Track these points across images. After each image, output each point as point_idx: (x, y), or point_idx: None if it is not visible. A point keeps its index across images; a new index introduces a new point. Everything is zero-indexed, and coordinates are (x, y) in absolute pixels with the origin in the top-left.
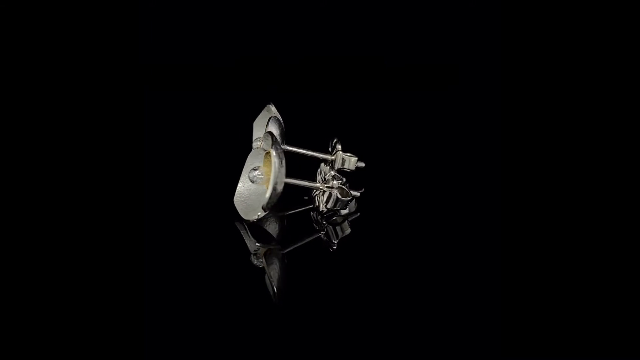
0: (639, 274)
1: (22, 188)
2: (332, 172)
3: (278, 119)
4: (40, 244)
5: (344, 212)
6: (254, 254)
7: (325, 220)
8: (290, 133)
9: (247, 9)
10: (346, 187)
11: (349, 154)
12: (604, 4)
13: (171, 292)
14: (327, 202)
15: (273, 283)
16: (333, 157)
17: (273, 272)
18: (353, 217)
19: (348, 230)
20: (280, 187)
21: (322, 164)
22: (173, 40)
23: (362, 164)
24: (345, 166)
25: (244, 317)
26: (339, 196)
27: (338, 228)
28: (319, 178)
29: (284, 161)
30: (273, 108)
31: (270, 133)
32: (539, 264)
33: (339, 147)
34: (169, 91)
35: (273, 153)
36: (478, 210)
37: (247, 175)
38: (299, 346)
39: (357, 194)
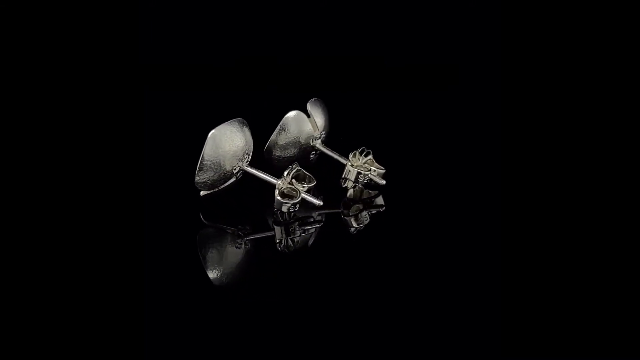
0: (639, 274)
1: (22, 188)
2: (285, 172)
3: (306, 117)
4: (40, 244)
5: (355, 226)
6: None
7: (274, 219)
8: None
9: (247, 9)
10: (303, 192)
11: (359, 167)
12: (604, 4)
13: (171, 292)
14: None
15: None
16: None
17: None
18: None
19: (297, 234)
20: (212, 166)
21: (295, 164)
22: (173, 40)
23: (381, 182)
24: (355, 179)
25: (243, 316)
26: (278, 197)
27: (290, 229)
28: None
29: (221, 143)
30: (308, 105)
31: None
32: (539, 264)
33: (350, 156)
34: (169, 91)
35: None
36: (478, 210)
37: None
38: (298, 345)
39: (318, 202)
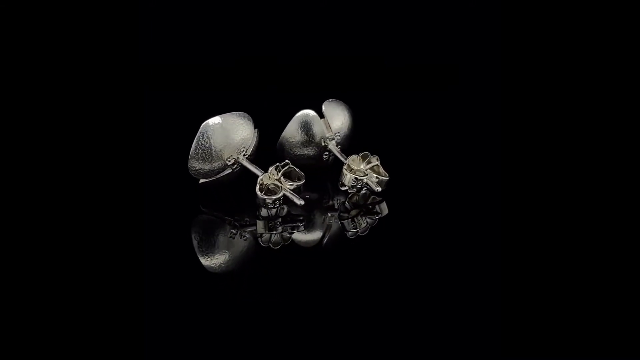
0: (639, 274)
1: (22, 188)
2: (272, 167)
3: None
4: (40, 244)
5: (352, 231)
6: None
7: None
8: None
9: (247, 9)
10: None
11: (356, 172)
12: (604, 4)
13: (171, 293)
14: None
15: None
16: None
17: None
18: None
19: (279, 230)
20: (202, 155)
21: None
22: (173, 40)
23: (376, 188)
24: (349, 184)
25: (245, 315)
26: (257, 191)
27: (270, 225)
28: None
29: (214, 135)
30: (323, 106)
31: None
32: (539, 264)
33: (348, 160)
34: (169, 91)
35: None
36: (478, 210)
37: None
38: (298, 345)
39: (300, 202)
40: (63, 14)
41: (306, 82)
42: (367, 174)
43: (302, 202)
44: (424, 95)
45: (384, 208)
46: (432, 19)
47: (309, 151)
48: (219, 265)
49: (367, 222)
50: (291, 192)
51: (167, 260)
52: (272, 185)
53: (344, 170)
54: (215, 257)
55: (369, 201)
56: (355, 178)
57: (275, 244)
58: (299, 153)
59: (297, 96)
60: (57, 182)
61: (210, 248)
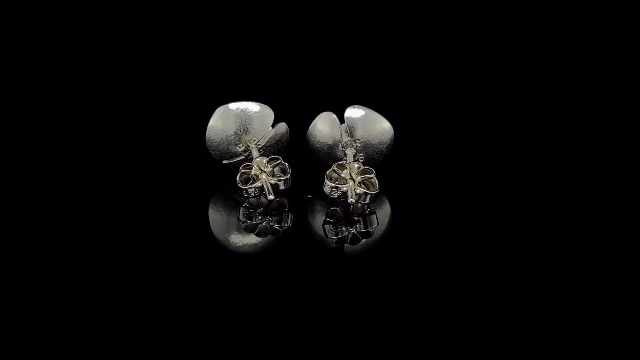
0: (639, 274)
1: (22, 188)
2: (262, 158)
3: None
4: (40, 244)
5: (335, 238)
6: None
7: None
8: (291, 134)
9: (247, 9)
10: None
11: (337, 181)
12: (604, 4)
13: (171, 294)
14: None
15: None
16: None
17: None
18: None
19: (258, 219)
20: (215, 139)
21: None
22: (173, 40)
23: (349, 199)
24: (324, 190)
25: (245, 315)
26: (238, 178)
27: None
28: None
29: (225, 122)
30: (346, 111)
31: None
32: (539, 264)
33: (333, 166)
34: (169, 91)
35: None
36: (478, 210)
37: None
38: (298, 345)
39: (270, 197)
40: (63, 13)
41: (306, 82)
42: (348, 183)
43: (273, 197)
44: (424, 95)
45: (374, 221)
46: (432, 19)
47: (329, 154)
48: (226, 245)
49: (351, 232)
50: (267, 185)
51: (166, 261)
52: (254, 175)
53: (325, 176)
54: (223, 237)
55: (366, 212)
56: (335, 186)
57: (260, 233)
58: (322, 154)
59: (297, 96)
60: (57, 183)
61: (219, 228)
